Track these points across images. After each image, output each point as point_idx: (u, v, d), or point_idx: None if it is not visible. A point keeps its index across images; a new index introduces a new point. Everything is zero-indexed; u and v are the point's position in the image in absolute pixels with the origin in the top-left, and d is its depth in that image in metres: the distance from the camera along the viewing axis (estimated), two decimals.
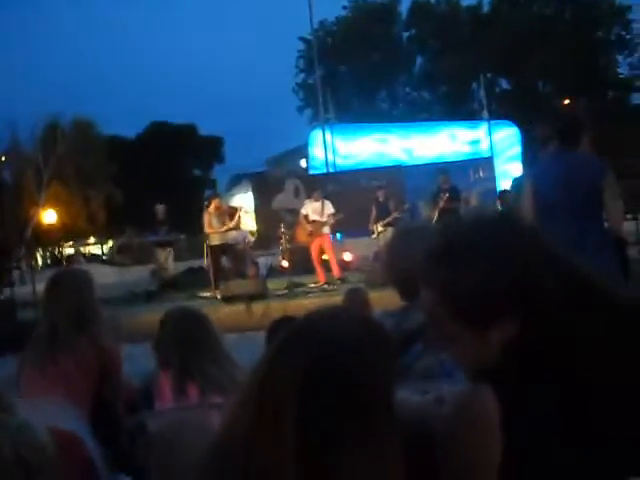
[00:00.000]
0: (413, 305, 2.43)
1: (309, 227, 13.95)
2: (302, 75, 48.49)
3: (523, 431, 1.26)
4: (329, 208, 13.99)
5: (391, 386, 1.22)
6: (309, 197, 14.67)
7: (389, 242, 2.67)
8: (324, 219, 13.82)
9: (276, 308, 11.31)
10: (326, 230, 13.98)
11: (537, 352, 1.32)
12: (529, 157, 24.92)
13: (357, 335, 1.22)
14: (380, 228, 14.81)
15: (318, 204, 13.98)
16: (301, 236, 14.46)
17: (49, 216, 34.65)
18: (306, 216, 14.05)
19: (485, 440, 1.24)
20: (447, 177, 14.86)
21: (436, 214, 14.17)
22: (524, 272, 1.32)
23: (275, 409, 1.17)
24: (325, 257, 14.10)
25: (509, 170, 24.99)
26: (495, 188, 22.14)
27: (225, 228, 14.32)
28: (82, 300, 3.58)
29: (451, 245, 1.41)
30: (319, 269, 13.98)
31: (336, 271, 13.92)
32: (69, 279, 3.72)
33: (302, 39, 46.00)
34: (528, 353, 1.33)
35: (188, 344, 3.05)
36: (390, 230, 13.87)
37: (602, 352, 1.31)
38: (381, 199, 15.32)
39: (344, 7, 48.13)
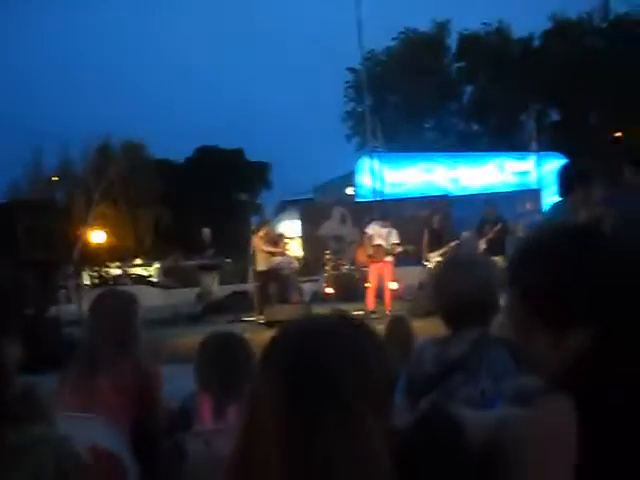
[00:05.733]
0: (457, 335, 2.43)
1: (371, 250, 13.60)
2: (351, 104, 48.54)
3: (590, 445, 1.25)
4: (394, 237, 13.63)
5: (375, 381, 1.25)
6: (377, 220, 14.12)
7: (437, 272, 2.68)
8: (387, 246, 13.50)
9: None
10: (389, 258, 13.63)
11: (609, 364, 1.34)
12: None
13: (337, 332, 1.28)
14: (438, 258, 14.37)
15: (385, 230, 13.59)
16: (361, 256, 14.19)
17: (97, 236, 35.06)
18: (370, 237, 13.68)
19: (557, 451, 1.26)
20: (493, 208, 14.80)
21: (483, 244, 14.09)
22: (604, 280, 1.37)
23: (262, 407, 1.23)
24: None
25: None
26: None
27: (274, 250, 14.60)
28: (124, 322, 3.58)
29: (536, 247, 1.49)
30: (371, 294, 13.59)
31: (388, 304, 13.50)
32: (113, 300, 3.74)
33: (350, 69, 46.15)
34: (600, 363, 1.34)
35: (228, 367, 3.06)
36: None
37: None
38: (436, 226, 15.15)
39: (393, 39, 48.21)
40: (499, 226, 14.19)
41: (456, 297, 2.44)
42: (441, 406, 1.59)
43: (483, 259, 2.76)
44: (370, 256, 13.58)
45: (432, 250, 14.73)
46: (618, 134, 36.51)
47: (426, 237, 15.01)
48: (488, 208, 14.75)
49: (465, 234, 15.19)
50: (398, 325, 5.49)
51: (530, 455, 1.29)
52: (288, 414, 1.20)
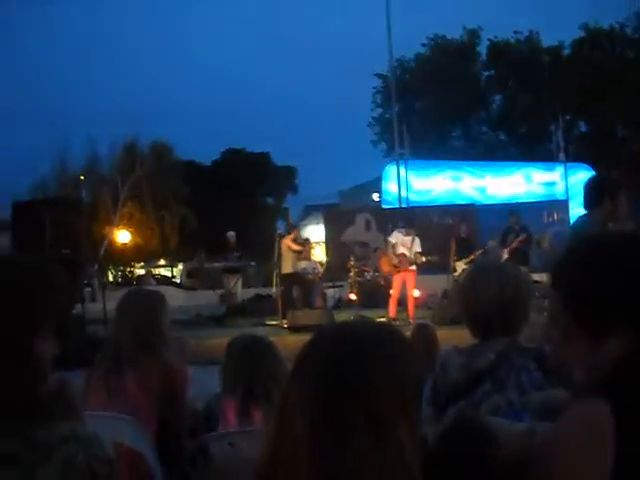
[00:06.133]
0: (484, 344, 2.41)
1: (395, 259, 13.51)
2: (378, 110, 48.39)
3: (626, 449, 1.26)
4: (417, 246, 13.58)
5: (406, 387, 1.25)
6: (399, 228, 14.06)
7: (464, 280, 2.65)
8: (411, 255, 13.42)
9: None
10: (413, 267, 13.55)
11: None
12: None
13: (372, 338, 1.29)
14: (464, 266, 14.30)
15: (408, 238, 13.54)
16: (385, 265, 14.08)
17: (122, 236, 35.22)
18: (394, 246, 13.62)
19: (590, 456, 1.26)
20: (518, 218, 14.71)
21: (506, 254, 14.02)
22: None
23: (293, 412, 1.23)
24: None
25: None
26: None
27: (301, 249, 15.13)
28: (151, 321, 3.58)
29: (578, 253, 1.52)
30: (393, 302, 13.56)
31: (411, 312, 13.48)
32: (140, 299, 3.75)
33: (378, 75, 45.99)
34: (638, 369, 1.36)
35: (254, 369, 3.06)
36: None
37: None
38: (463, 235, 15.13)
39: (423, 45, 48.00)
40: (522, 236, 14.13)
41: (484, 305, 2.41)
42: (470, 415, 1.59)
43: (511, 267, 2.72)
44: (395, 266, 13.52)
45: (459, 259, 14.69)
46: None
47: (453, 245, 14.97)
48: (512, 218, 14.68)
49: (491, 243, 15.13)
50: (423, 332, 5.47)
51: (562, 459, 1.29)
52: (319, 419, 1.20)
